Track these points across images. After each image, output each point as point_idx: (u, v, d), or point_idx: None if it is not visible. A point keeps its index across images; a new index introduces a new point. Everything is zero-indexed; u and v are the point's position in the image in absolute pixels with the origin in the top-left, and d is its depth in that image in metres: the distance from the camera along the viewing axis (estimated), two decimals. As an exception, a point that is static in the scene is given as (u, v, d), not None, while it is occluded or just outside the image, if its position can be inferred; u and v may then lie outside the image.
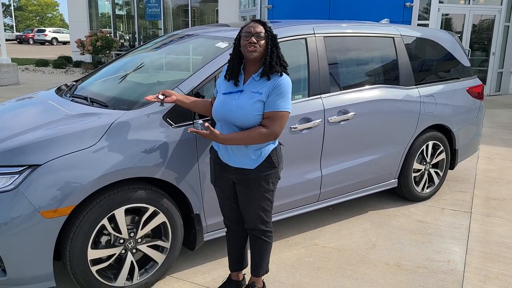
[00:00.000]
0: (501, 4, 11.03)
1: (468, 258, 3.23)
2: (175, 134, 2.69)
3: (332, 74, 3.46)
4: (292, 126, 3.17)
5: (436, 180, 4.37)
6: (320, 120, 3.31)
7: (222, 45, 3.14)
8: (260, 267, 2.60)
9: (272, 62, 2.28)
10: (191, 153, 2.74)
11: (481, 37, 11.48)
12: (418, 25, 10.96)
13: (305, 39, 3.38)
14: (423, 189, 4.29)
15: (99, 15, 18.31)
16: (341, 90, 3.50)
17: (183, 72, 3.47)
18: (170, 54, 3.73)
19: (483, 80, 11.59)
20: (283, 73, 2.31)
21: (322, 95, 3.38)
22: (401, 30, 4.06)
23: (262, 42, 2.27)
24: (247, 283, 2.72)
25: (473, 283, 2.92)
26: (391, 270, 3.06)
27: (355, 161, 3.63)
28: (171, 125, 2.69)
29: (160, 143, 2.62)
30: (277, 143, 2.43)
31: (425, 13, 10.90)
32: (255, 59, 2.30)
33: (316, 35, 3.43)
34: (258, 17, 12.95)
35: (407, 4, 10.70)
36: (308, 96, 3.33)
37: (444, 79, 4.33)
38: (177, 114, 2.72)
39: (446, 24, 11.15)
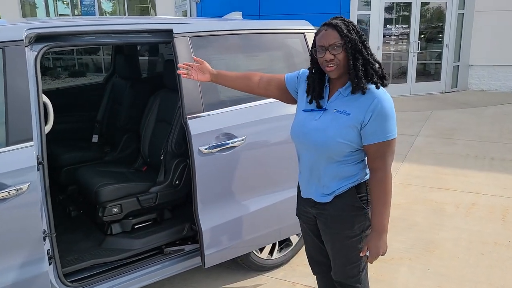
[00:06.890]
0: (453, -10, 9.77)
1: None
2: None
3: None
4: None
5: (295, 238, 3.09)
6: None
7: None
8: None
9: (358, 74, 1.73)
10: None
11: (433, 27, 10.22)
12: (359, 16, 9.68)
13: (2, 48, 2.06)
14: (271, 253, 3.00)
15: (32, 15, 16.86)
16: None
17: None
18: None
19: (438, 75, 10.34)
20: (380, 85, 1.76)
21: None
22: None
23: (341, 54, 1.73)
24: None
25: None
26: None
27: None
28: None
29: None
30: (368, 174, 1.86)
31: (366, 2, 9.60)
32: (339, 75, 1.79)
33: (27, 40, 2.11)
34: (188, 13, 11.58)
35: (345, -8, 9.40)
36: (7, 145, 2.02)
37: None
38: None
39: (392, 14, 9.86)
